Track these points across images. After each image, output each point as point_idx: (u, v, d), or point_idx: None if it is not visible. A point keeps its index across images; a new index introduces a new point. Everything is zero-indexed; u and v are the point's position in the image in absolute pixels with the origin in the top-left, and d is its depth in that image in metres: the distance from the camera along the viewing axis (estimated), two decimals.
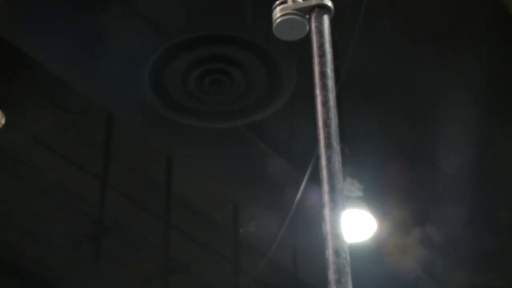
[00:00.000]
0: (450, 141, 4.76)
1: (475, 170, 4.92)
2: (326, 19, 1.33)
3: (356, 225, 4.25)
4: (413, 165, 4.92)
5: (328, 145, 1.24)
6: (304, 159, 3.97)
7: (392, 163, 4.83)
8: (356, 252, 3.85)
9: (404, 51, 4.28)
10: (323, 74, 1.29)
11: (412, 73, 4.44)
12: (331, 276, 1.15)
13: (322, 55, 1.30)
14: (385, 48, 4.27)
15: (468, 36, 4.14)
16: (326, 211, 1.21)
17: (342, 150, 1.31)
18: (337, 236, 1.18)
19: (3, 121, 3.92)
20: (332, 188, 1.22)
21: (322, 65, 1.29)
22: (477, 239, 5.46)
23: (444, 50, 4.30)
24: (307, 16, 1.35)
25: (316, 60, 1.30)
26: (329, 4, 1.34)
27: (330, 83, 1.29)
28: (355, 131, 4.31)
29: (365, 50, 3.99)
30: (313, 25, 1.33)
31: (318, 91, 1.28)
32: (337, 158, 1.24)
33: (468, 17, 4.03)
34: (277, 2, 1.37)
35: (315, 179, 1.28)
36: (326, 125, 1.26)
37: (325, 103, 1.27)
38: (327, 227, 1.19)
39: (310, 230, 4.57)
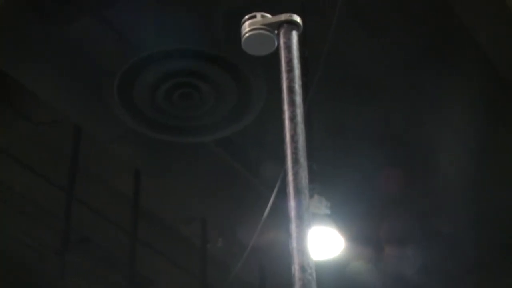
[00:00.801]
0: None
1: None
2: (294, 35, 1.34)
3: (323, 242, 4.24)
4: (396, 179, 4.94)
5: (295, 161, 1.25)
6: (272, 175, 3.97)
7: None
8: (323, 270, 3.84)
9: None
10: (290, 90, 1.29)
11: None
12: None
13: (290, 70, 1.30)
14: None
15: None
16: (293, 227, 1.21)
17: (310, 166, 1.32)
18: (303, 252, 1.18)
19: None
20: (299, 204, 1.22)
21: (290, 80, 1.30)
22: (452, 260, 5.51)
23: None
24: (276, 31, 1.35)
25: (284, 76, 1.31)
26: (298, 20, 1.35)
27: (298, 98, 1.29)
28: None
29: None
30: (281, 41, 1.34)
31: (286, 107, 1.29)
32: (304, 173, 1.24)
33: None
34: (246, 17, 1.37)
35: (283, 195, 1.28)
36: (294, 140, 1.26)
37: (292, 118, 1.28)
38: (293, 243, 1.19)
39: (277, 246, 4.56)
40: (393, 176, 4.88)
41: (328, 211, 3.92)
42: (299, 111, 1.28)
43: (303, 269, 1.17)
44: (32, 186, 4.91)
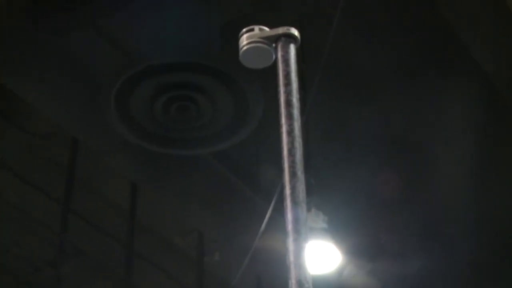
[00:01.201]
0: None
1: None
2: (292, 48, 1.34)
3: (321, 256, 4.23)
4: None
5: (293, 174, 1.24)
6: (269, 188, 3.96)
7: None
8: (320, 284, 3.83)
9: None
10: (288, 103, 1.29)
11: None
12: None
13: (287, 84, 1.30)
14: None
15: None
16: (290, 241, 1.20)
17: (308, 180, 1.31)
18: (300, 266, 1.18)
19: None
20: (296, 218, 1.21)
21: (288, 94, 1.30)
22: (452, 260, 5.49)
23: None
24: (274, 44, 1.35)
25: (281, 89, 1.31)
26: (296, 33, 1.35)
27: (296, 112, 1.29)
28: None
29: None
30: (279, 54, 1.33)
31: (283, 120, 1.29)
32: (301, 187, 1.24)
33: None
34: (244, 30, 1.37)
35: (280, 208, 1.27)
36: (291, 154, 1.26)
37: (290, 132, 1.27)
38: (290, 257, 1.19)
39: (275, 259, 4.55)
40: (392, 180, 4.87)
41: (325, 225, 3.92)
42: (297, 124, 1.28)
43: (300, 283, 1.16)
44: (27, 197, 4.90)
